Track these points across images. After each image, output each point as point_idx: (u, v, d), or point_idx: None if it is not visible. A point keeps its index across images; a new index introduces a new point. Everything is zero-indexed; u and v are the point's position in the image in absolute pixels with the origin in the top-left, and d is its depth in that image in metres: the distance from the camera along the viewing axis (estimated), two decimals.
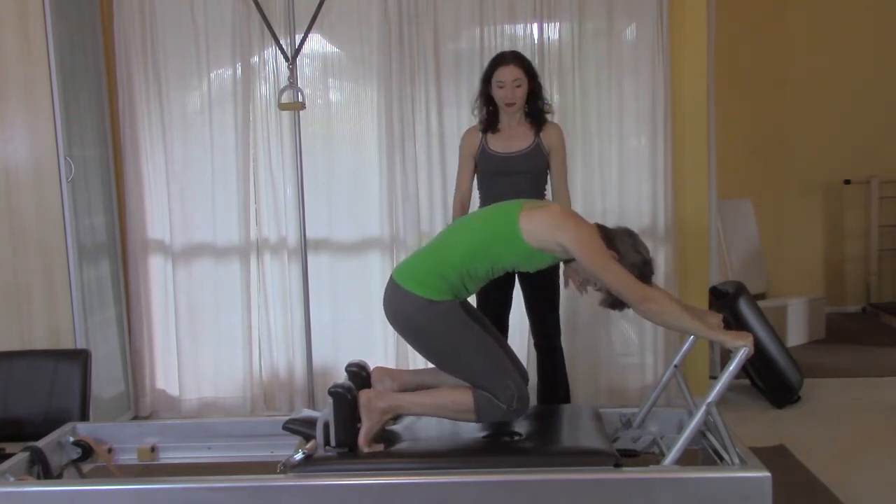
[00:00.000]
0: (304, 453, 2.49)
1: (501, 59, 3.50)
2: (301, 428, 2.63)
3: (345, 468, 2.45)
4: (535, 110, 3.54)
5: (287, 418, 2.73)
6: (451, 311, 2.61)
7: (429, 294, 2.58)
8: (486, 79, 3.53)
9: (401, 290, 2.62)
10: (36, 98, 3.86)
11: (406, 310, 2.63)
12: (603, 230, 2.64)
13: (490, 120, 3.57)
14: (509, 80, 3.45)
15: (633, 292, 2.50)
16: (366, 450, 2.53)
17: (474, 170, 3.61)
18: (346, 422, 2.52)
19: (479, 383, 2.55)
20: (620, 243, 2.61)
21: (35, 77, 3.84)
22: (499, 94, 3.49)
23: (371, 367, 2.86)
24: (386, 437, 2.62)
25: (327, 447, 2.54)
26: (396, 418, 2.69)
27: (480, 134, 3.58)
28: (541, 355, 3.63)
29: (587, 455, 2.44)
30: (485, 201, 3.60)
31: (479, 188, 3.64)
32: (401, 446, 2.59)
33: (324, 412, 2.57)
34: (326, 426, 2.54)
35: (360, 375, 2.76)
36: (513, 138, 3.54)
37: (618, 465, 2.40)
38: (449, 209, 4.29)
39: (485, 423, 2.60)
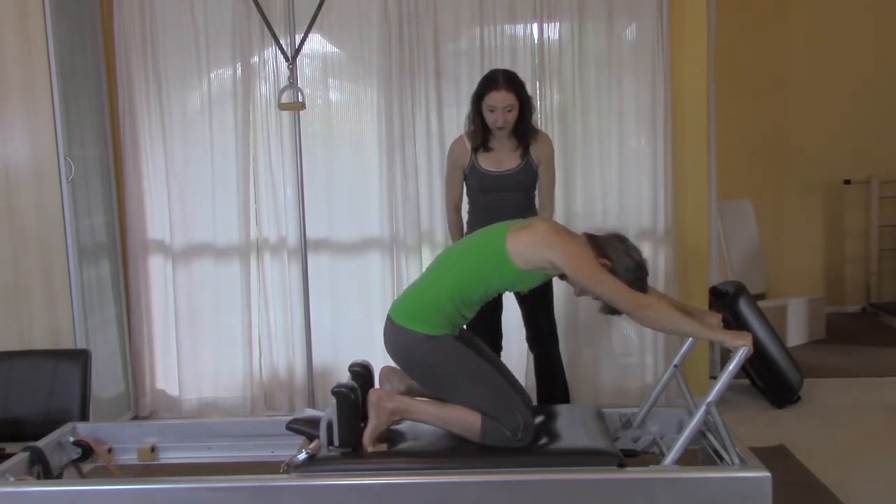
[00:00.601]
0: (307, 453, 2.49)
1: (494, 84, 3.43)
2: (304, 428, 2.63)
3: (348, 468, 2.45)
4: (523, 131, 3.51)
5: (289, 418, 2.74)
6: (451, 345, 2.61)
7: (426, 329, 2.59)
8: (478, 98, 3.48)
9: (398, 327, 2.63)
10: (36, 98, 3.85)
11: (405, 347, 2.63)
12: (592, 239, 2.64)
13: (480, 139, 3.53)
14: (501, 106, 3.40)
15: (628, 302, 2.51)
16: (370, 449, 2.53)
17: (467, 181, 3.61)
18: (350, 421, 2.52)
19: (485, 413, 2.54)
20: (612, 250, 2.60)
21: (35, 77, 3.84)
22: (490, 118, 3.45)
23: (374, 367, 2.85)
24: (389, 436, 2.63)
25: (330, 447, 2.54)
26: (400, 419, 2.69)
27: (470, 150, 3.56)
28: (537, 359, 3.62)
29: (590, 455, 2.44)
30: (473, 212, 3.62)
31: (469, 200, 3.66)
32: (404, 446, 2.59)
33: (327, 412, 2.57)
34: (330, 426, 2.53)
35: (363, 375, 2.75)
36: (503, 158, 3.53)
37: (621, 466, 2.40)
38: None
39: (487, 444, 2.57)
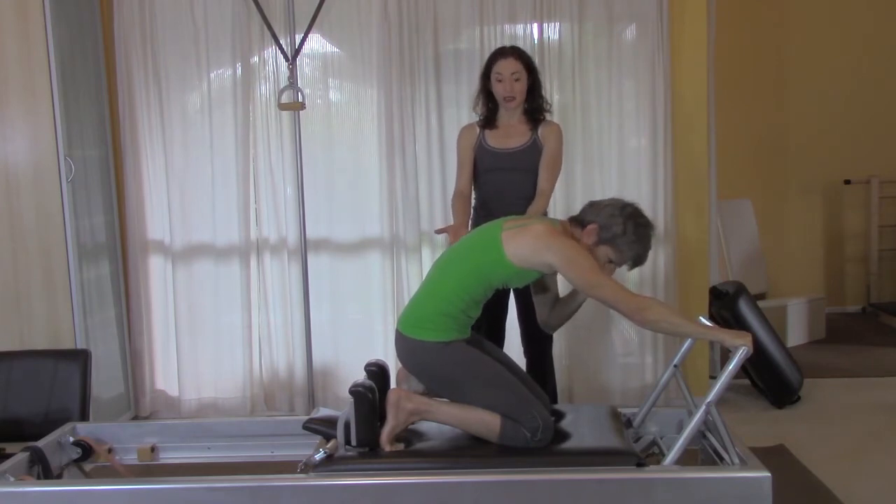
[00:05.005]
0: (325, 453, 2.49)
1: (501, 53, 3.52)
2: (321, 427, 2.62)
3: (366, 468, 2.45)
4: (534, 108, 3.54)
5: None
6: (464, 351, 2.62)
7: (438, 336, 2.59)
8: (486, 73, 3.54)
9: (409, 340, 2.63)
10: (36, 98, 3.85)
11: (419, 357, 2.63)
12: (574, 221, 2.67)
13: (489, 116, 3.56)
14: (508, 74, 3.45)
15: (627, 304, 2.51)
16: (388, 448, 2.53)
17: (473, 165, 3.59)
18: (368, 421, 2.51)
19: (504, 415, 2.55)
20: (591, 215, 2.64)
21: (35, 77, 3.83)
22: (497, 89, 3.48)
23: (389, 367, 2.84)
24: (405, 436, 2.62)
25: (348, 447, 2.53)
26: (418, 419, 2.68)
27: (478, 129, 3.58)
28: (530, 362, 3.62)
29: (609, 455, 2.45)
30: (480, 198, 3.59)
31: (475, 185, 3.63)
32: (421, 446, 2.58)
33: (344, 411, 2.56)
34: (347, 425, 2.53)
35: (379, 375, 2.72)
36: (510, 135, 3.53)
37: (640, 465, 2.40)
38: (449, 209, 4.26)
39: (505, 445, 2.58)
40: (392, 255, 4.41)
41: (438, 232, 3.55)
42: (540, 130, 3.53)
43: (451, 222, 3.62)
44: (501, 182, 3.52)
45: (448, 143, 4.27)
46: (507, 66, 3.46)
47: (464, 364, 2.61)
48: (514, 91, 3.46)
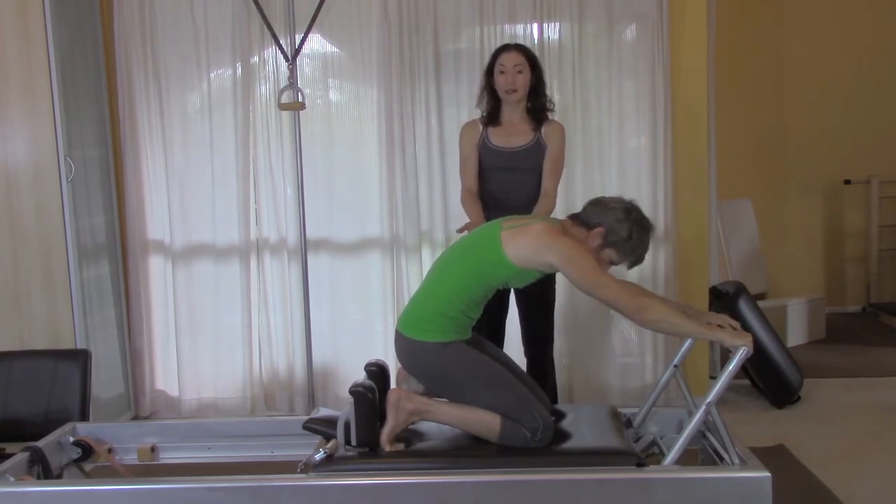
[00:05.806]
0: (325, 452, 2.49)
1: (504, 47, 3.55)
2: (321, 427, 2.63)
3: (366, 468, 2.45)
4: (537, 107, 3.53)
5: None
6: (464, 352, 2.62)
7: (437, 337, 2.59)
8: (489, 69, 3.54)
9: (409, 340, 2.63)
10: (36, 98, 3.85)
11: (419, 357, 2.63)
12: (576, 219, 2.67)
13: (492, 113, 3.56)
14: (511, 66, 3.46)
15: (627, 305, 2.51)
16: (388, 448, 2.53)
17: (478, 162, 3.57)
18: (368, 421, 2.52)
19: (504, 415, 2.55)
20: (594, 216, 2.64)
21: (35, 77, 3.83)
22: (500, 81, 3.48)
23: (389, 367, 2.84)
24: (405, 436, 2.62)
25: (348, 447, 2.53)
26: (418, 420, 2.68)
27: (481, 126, 3.58)
28: (531, 362, 3.61)
29: (609, 455, 2.45)
30: (483, 197, 3.58)
31: (478, 183, 3.62)
32: (421, 446, 2.59)
33: (344, 411, 2.56)
34: (347, 425, 2.53)
35: (379, 375, 2.73)
36: (513, 133, 3.53)
37: (640, 465, 2.40)
38: (449, 209, 4.30)
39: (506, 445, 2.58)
40: (392, 255, 4.41)
41: (461, 230, 3.52)
42: (543, 130, 3.53)
43: (452, 222, 3.62)
44: (505, 181, 3.52)
45: (448, 143, 4.27)
46: (511, 59, 3.47)
47: (463, 365, 2.61)
48: (517, 83, 3.46)
